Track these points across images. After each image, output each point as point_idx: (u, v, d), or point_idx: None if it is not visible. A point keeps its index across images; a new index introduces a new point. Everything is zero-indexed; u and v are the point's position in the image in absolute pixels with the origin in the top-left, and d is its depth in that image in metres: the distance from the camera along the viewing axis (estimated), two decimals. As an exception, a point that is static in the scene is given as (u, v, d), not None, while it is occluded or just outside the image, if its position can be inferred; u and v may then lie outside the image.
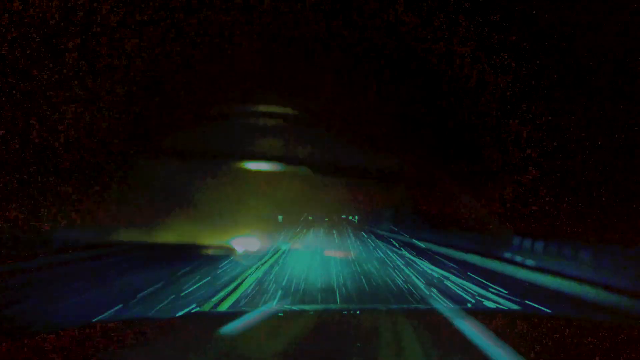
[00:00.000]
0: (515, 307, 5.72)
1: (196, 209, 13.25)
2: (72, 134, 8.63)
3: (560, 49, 7.16)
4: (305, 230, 27.68)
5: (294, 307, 3.16)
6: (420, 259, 11.33)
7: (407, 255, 12.51)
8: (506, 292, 6.55)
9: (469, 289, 6.91)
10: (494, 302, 6.06)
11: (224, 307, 5.31)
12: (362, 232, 25.56)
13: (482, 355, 1.02)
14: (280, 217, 23.91)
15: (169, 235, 11.33)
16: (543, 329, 1.43)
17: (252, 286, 6.86)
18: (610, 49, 6.46)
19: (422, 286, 7.21)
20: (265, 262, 10.01)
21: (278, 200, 22.01)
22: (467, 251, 11.21)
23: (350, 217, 46.90)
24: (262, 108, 10.59)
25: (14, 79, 7.39)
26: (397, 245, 16.07)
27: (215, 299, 5.66)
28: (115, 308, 4.91)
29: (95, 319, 4.34)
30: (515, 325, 1.50)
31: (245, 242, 12.28)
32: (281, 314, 1.80)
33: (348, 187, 24.80)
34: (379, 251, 14.28)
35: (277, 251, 12.39)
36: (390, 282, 7.66)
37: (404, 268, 9.61)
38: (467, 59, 8.78)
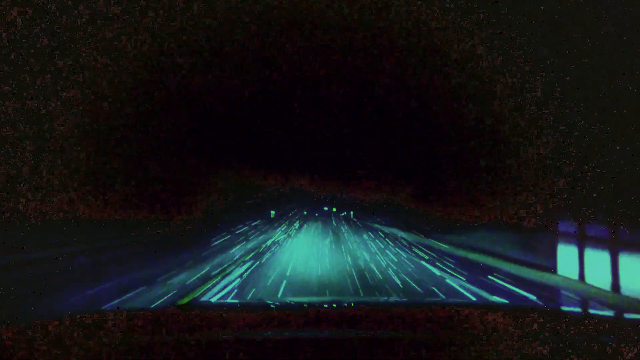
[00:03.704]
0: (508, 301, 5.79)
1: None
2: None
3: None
4: None
5: (288, 300, 3.12)
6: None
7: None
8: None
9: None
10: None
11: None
12: None
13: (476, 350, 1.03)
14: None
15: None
16: (541, 324, 1.40)
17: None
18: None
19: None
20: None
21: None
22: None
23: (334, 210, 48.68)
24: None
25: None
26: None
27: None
28: (122, 298, 5.19)
29: (105, 307, 4.64)
30: (518, 320, 1.47)
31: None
32: (276, 307, 1.85)
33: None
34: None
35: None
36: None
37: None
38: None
